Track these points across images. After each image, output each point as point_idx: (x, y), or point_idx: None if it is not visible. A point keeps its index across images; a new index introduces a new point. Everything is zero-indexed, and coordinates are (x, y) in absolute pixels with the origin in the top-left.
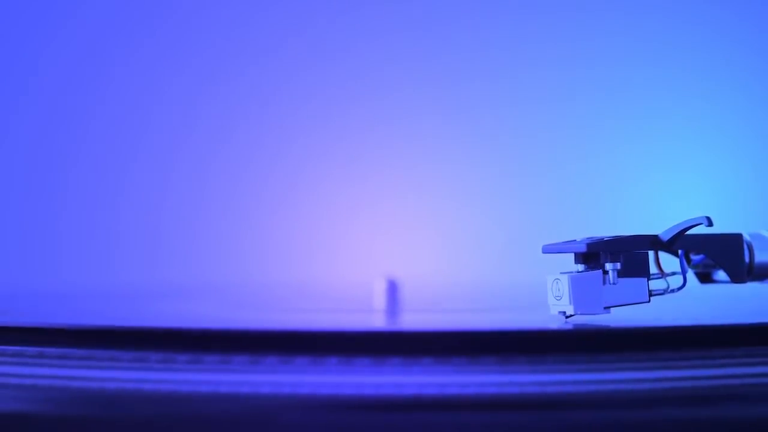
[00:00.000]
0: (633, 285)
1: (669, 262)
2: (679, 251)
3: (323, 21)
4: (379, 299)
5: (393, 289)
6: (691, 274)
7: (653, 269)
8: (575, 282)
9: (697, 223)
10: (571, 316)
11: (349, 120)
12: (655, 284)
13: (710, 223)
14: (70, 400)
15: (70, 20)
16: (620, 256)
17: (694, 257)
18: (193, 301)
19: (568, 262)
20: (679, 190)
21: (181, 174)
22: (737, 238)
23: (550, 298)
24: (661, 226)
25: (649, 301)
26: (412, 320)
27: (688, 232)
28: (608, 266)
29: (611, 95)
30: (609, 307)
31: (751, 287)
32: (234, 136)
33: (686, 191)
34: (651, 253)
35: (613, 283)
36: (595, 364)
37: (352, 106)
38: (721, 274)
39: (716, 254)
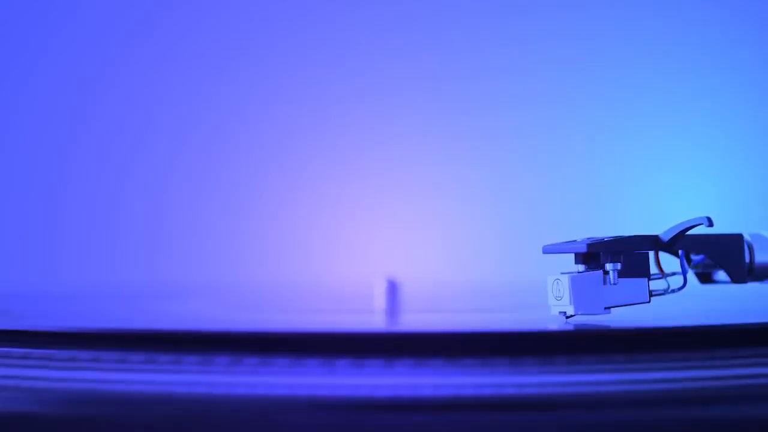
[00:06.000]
0: (633, 285)
1: (669, 262)
2: (680, 251)
3: (323, 21)
4: (379, 299)
5: (393, 289)
6: (691, 275)
7: (654, 269)
8: (576, 282)
9: (698, 223)
10: (571, 316)
11: (349, 120)
12: (656, 284)
13: (711, 224)
14: (59, 402)
15: (70, 20)
16: (621, 256)
17: (695, 257)
18: (192, 301)
19: (568, 262)
20: (680, 190)
21: (181, 174)
22: (738, 238)
23: (551, 299)
24: (662, 226)
25: (649, 302)
26: (411, 321)
27: (688, 233)
28: (609, 266)
29: (611, 95)
30: (609, 308)
31: (752, 287)
32: (234, 135)
33: (686, 191)
34: (651, 254)
35: (614, 284)
36: (595, 365)
37: (352, 106)
38: (721, 275)
39: (717, 254)
